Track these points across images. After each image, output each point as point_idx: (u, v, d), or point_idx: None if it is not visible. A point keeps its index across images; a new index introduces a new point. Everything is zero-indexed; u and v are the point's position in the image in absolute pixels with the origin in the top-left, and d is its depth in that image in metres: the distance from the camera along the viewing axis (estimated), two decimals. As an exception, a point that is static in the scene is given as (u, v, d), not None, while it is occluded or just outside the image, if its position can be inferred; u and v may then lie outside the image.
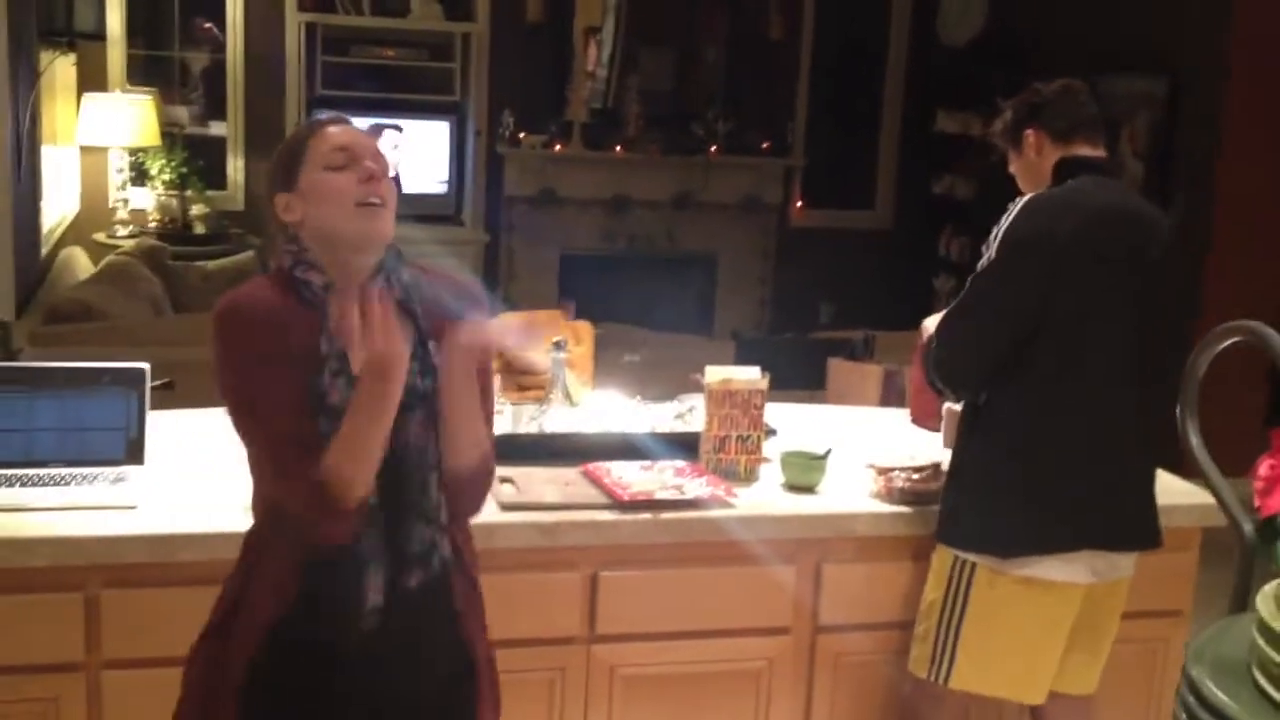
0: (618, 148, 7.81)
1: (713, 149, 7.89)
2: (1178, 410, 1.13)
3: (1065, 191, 2.53)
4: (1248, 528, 1.14)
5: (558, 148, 7.72)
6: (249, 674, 1.86)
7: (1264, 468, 3.06)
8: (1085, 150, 2.59)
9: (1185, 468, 2.96)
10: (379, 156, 1.95)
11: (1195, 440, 1.15)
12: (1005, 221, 2.49)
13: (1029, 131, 2.62)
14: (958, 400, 2.63)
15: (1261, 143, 6.01)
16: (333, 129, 1.95)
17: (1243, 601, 1.09)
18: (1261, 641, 0.97)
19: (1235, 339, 1.11)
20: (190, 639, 2.19)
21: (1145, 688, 2.84)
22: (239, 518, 2.31)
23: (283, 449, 1.82)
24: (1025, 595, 2.47)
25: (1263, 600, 0.98)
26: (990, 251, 2.49)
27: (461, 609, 1.97)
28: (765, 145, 8.04)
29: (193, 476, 2.51)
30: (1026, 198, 2.52)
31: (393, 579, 1.87)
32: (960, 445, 2.59)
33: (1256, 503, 3.91)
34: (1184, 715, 0.98)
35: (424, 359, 1.91)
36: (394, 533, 1.88)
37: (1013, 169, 2.71)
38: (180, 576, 2.26)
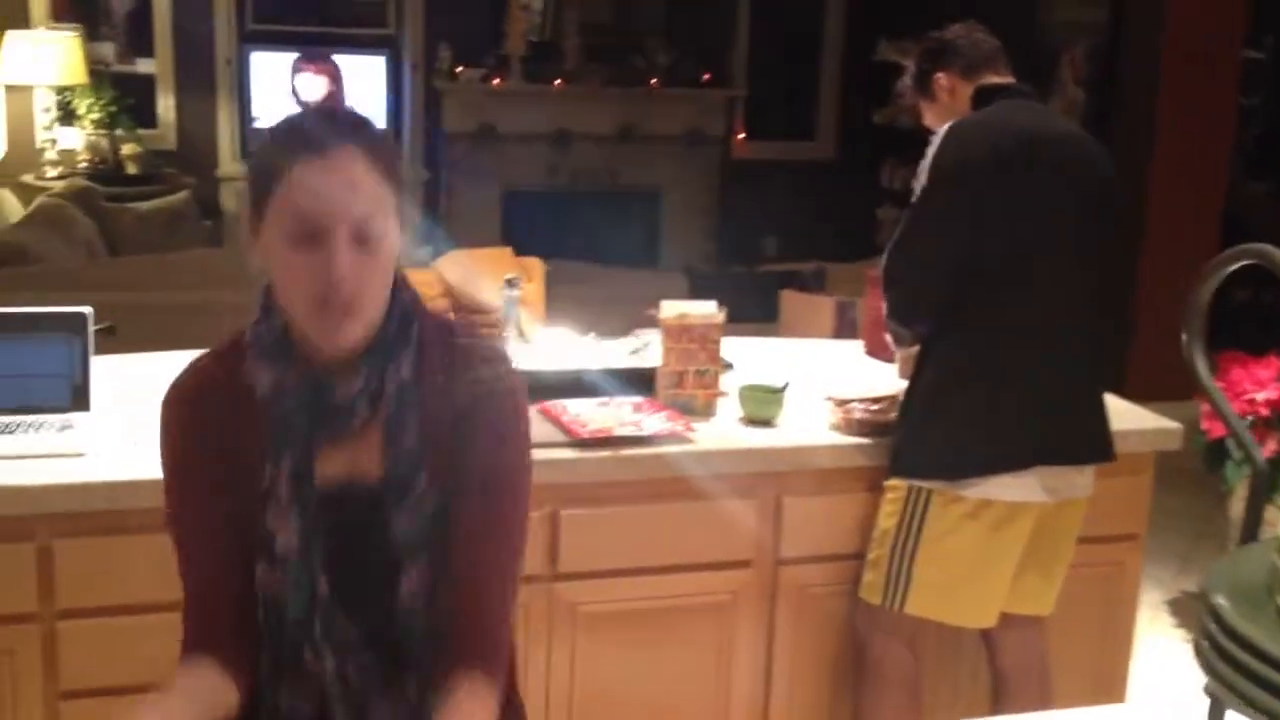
0: (558, 81, 7.71)
1: (653, 81, 7.81)
2: (1183, 339, 1.12)
3: (984, 115, 2.58)
4: (1259, 458, 1.13)
5: (496, 81, 7.61)
6: None
7: (1214, 391, 3.10)
8: (996, 79, 2.64)
9: (1131, 389, 2.99)
10: (370, 219, 1.45)
11: (1203, 370, 1.14)
12: (930, 152, 2.52)
13: (938, 75, 2.68)
14: (914, 340, 2.63)
15: (1202, 68, 6.04)
16: (301, 171, 1.44)
17: (1253, 531, 1.10)
18: (1283, 566, 0.98)
19: (1243, 262, 1.10)
20: (144, 586, 2.15)
21: (1101, 611, 2.87)
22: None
23: (191, 603, 1.55)
24: (979, 518, 2.49)
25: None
26: (920, 183, 2.52)
27: None
28: (706, 76, 7.98)
29: (140, 422, 2.45)
30: (948, 125, 2.55)
31: None
32: (911, 379, 2.60)
33: (1204, 425, 3.98)
34: (1205, 643, 0.98)
35: (433, 484, 1.54)
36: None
37: (928, 120, 2.73)
38: (132, 524, 2.21)
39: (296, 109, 7.59)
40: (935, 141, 2.53)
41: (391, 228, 1.48)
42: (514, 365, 1.63)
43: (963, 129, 2.53)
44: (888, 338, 2.73)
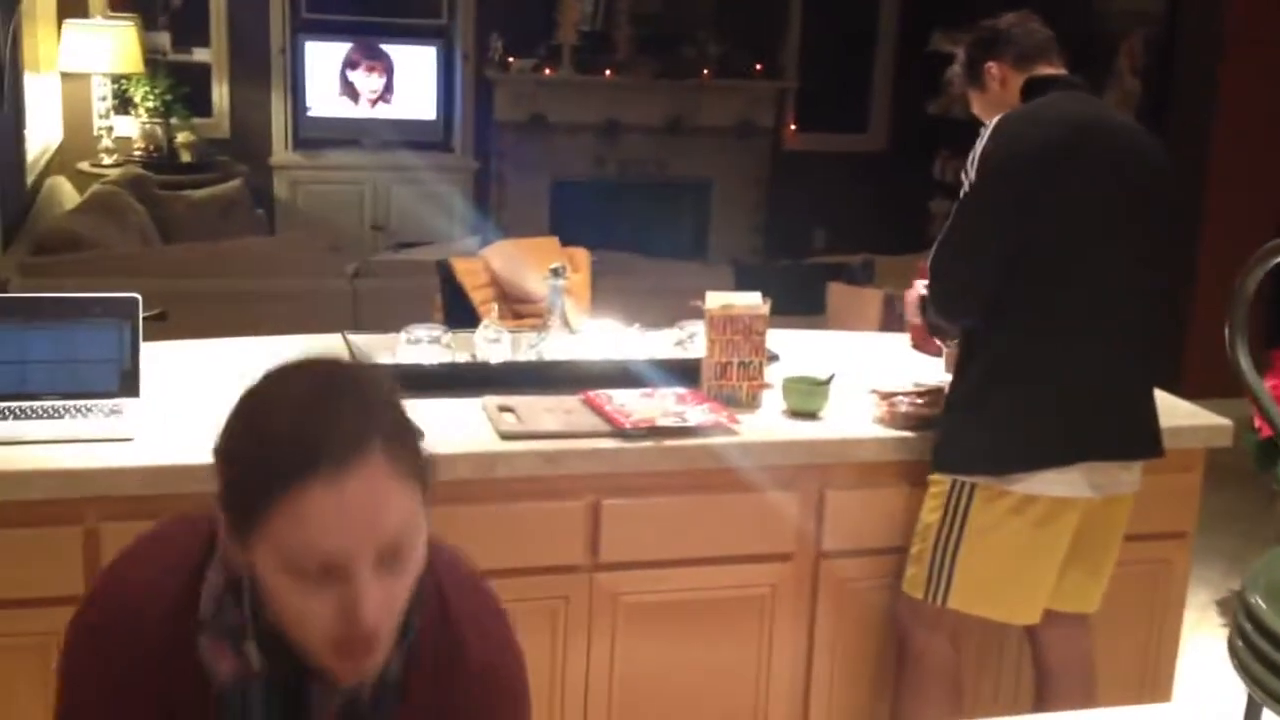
0: (608, 71, 7.71)
1: (704, 72, 7.79)
2: (1225, 331, 1.10)
3: (1034, 107, 2.55)
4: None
5: (547, 72, 7.62)
6: None
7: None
8: (1048, 70, 2.61)
9: (1184, 385, 2.96)
10: (401, 539, 1.14)
11: (1246, 363, 1.12)
12: (979, 144, 2.49)
13: (990, 64, 2.65)
14: (958, 335, 2.62)
15: (1261, 58, 5.95)
16: (312, 493, 1.10)
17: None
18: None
19: (1290, 255, 1.09)
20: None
21: (1147, 610, 2.84)
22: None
23: None
24: (1024, 513, 2.47)
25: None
26: (969, 176, 2.49)
27: None
28: (758, 67, 7.95)
29: (189, 408, 2.48)
30: (998, 117, 2.52)
31: None
32: (956, 373, 2.59)
33: (1256, 423, 3.91)
34: (1240, 641, 0.97)
35: None
36: None
37: (977, 110, 2.71)
38: (179, 508, 2.23)
39: (349, 101, 7.62)
40: (985, 134, 2.50)
41: (420, 533, 1.17)
42: (515, 645, 1.36)
43: (1012, 121, 2.50)
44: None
